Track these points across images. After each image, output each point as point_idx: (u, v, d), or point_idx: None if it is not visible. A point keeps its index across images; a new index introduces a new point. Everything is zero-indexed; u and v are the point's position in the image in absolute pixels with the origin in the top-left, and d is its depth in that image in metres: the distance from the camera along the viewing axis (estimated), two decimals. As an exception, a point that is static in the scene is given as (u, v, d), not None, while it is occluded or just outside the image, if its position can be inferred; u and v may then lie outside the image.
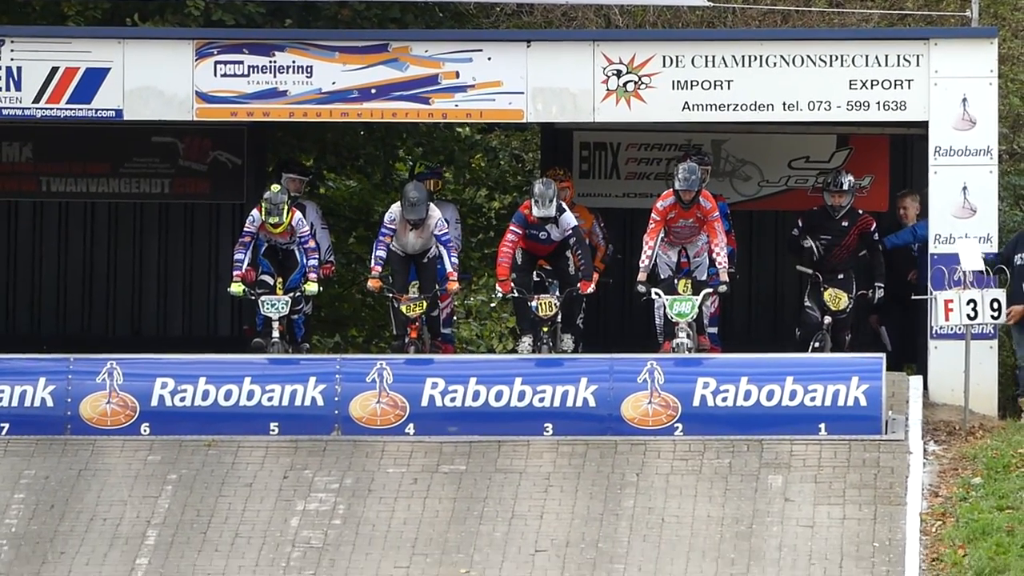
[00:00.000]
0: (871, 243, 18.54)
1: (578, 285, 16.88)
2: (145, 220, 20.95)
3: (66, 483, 16.67)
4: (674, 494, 16.12)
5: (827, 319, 18.24)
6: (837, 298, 18.14)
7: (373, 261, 17.85)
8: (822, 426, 17.05)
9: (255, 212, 17.97)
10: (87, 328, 20.85)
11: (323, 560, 15.65)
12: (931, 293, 17.80)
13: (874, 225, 18.54)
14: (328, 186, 24.15)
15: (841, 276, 18.38)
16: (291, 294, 18.01)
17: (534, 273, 17.39)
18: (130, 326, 20.89)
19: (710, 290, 16.85)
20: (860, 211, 18.58)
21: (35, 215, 20.84)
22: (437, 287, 17.84)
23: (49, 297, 20.76)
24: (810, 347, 18.24)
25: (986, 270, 17.51)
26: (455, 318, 21.33)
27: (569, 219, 16.84)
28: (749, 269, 19.79)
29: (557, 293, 17.06)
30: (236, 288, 17.92)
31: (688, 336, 16.57)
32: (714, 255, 16.91)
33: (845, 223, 18.38)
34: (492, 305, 25.97)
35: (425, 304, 17.60)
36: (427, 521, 16.11)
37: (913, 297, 18.29)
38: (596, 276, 17.06)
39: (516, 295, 16.83)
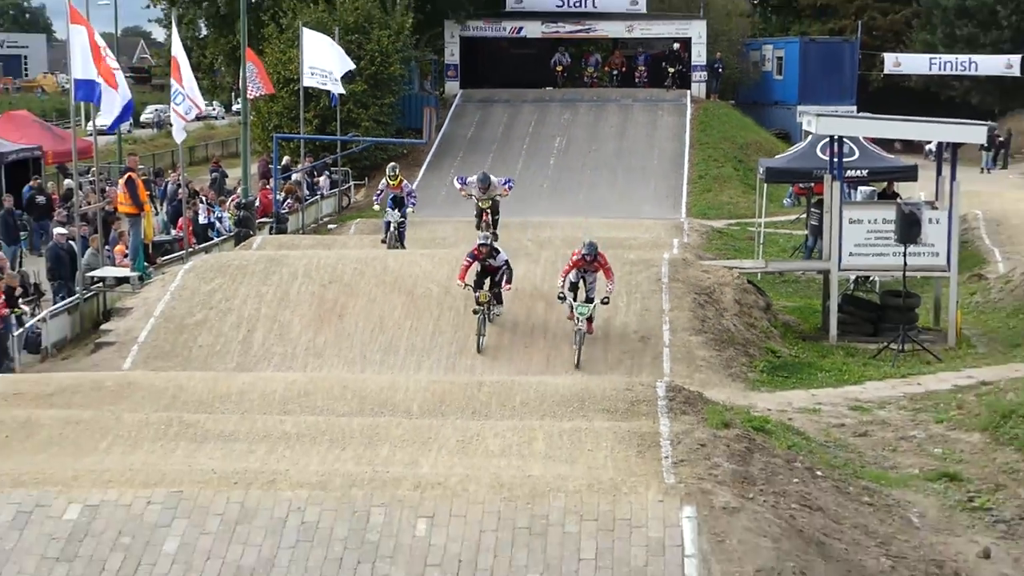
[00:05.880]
0: None
1: (504, 285, 24.23)
2: None
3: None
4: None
5: None
6: None
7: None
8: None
9: (384, 180, 30.39)
10: None
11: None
12: None
13: None
14: None
15: None
16: (402, 216, 30.04)
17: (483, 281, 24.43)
18: None
19: (598, 301, 23.78)
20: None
21: None
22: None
23: None
24: None
25: None
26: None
27: (503, 256, 24.30)
28: None
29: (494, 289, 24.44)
30: (377, 208, 31.53)
31: (581, 322, 23.61)
32: (606, 284, 23.67)
33: None
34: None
35: (490, 201, 28.62)
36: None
37: None
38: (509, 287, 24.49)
39: (468, 286, 24.15)
